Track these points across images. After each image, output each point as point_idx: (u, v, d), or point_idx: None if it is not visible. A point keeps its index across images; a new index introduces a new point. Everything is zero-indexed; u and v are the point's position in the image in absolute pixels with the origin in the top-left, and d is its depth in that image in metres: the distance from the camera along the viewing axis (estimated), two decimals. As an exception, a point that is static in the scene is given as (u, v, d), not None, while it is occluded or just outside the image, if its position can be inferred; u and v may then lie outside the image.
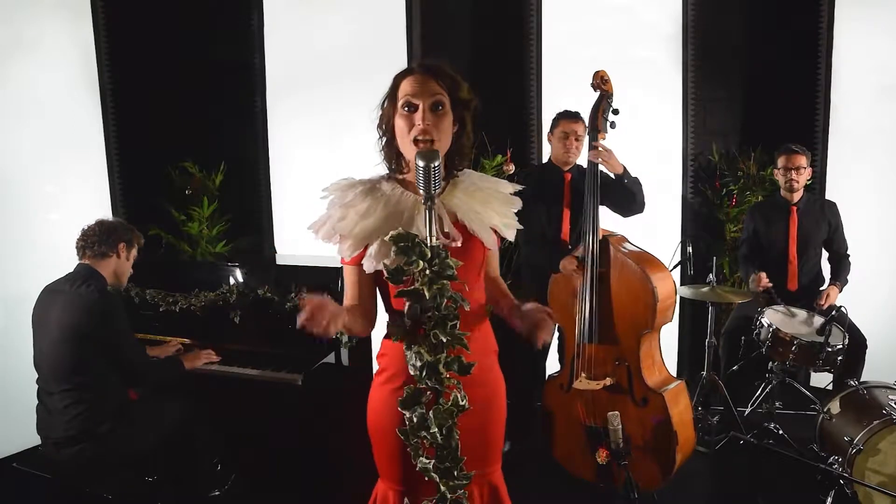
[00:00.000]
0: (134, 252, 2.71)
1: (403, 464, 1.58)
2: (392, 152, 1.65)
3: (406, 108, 1.57)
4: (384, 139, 1.65)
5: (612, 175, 3.02)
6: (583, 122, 3.16)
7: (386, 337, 1.65)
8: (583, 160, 3.21)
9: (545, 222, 3.21)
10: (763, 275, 3.42)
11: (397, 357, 1.60)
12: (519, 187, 1.75)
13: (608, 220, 3.02)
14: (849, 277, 3.55)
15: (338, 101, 3.94)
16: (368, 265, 1.58)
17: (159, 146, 3.94)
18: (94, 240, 2.60)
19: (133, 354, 2.60)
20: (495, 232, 1.68)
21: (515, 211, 1.74)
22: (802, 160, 3.47)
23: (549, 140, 3.33)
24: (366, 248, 1.58)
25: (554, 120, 3.31)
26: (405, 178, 1.66)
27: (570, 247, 3.12)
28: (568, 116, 3.25)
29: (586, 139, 3.10)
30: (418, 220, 1.56)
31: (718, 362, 3.59)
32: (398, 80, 1.61)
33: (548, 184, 3.22)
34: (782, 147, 3.53)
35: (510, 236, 1.72)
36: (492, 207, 1.68)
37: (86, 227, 2.65)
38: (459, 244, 1.57)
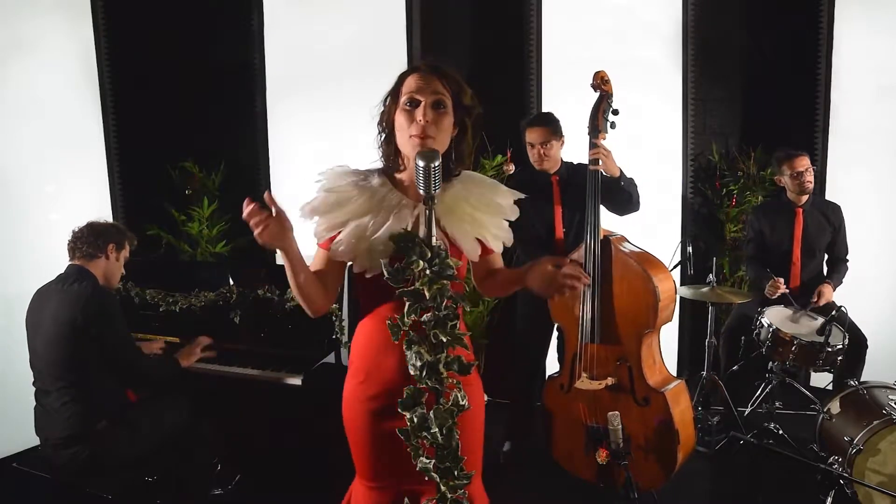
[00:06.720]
0: (125, 253, 2.70)
1: (373, 459, 1.65)
2: (390, 149, 1.65)
3: (408, 105, 1.57)
4: (383, 135, 1.66)
5: (607, 175, 2.96)
6: (545, 127, 3.08)
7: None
8: (572, 157, 3.19)
9: (539, 225, 3.14)
10: (781, 281, 3.37)
11: (358, 351, 1.68)
12: (520, 195, 1.72)
13: (607, 220, 3.01)
14: (847, 279, 3.54)
15: (338, 100, 3.94)
16: (335, 253, 1.60)
17: (159, 146, 3.94)
18: (83, 241, 2.59)
19: (131, 352, 2.59)
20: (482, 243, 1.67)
21: (511, 220, 1.71)
22: (806, 160, 3.44)
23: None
24: (338, 233, 1.60)
25: (521, 128, 3.19)
26: (399, 176, 1.66)
27: (567, 246, 3.10)
28: (530, 124, 3.14)
29: (556, 142, 3.08)
30: (398, 218, 1.57)
31: (718, 362, 3.58)
32: (403, 77, 1.62)
33: (536, 187, 3.06)
34: (782, 154, 3.48)
35: (497, 248, 1.73)
36: (482, 216, 1.67)
37: (76, 229, 2.63)
38: None
